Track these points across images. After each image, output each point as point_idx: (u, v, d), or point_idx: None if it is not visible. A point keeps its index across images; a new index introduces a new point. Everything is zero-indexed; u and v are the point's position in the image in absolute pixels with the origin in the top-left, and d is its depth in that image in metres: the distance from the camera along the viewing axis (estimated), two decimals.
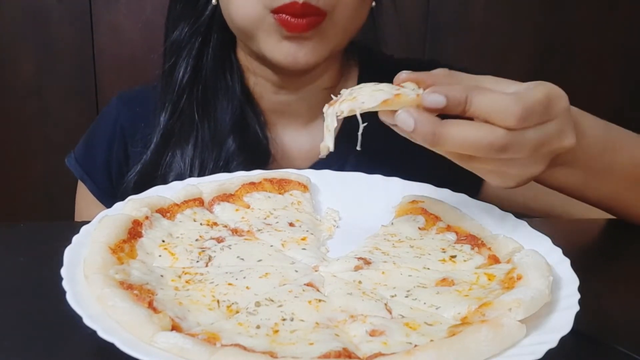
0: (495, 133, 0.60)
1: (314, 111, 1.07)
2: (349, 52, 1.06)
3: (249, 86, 1.05)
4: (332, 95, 0.67)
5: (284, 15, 0.87)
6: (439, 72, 0.67)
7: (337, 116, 0.63)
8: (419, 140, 0.61)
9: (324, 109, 0.66)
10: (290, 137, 1.07)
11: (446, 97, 0.61)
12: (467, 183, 0.85)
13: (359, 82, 1.05)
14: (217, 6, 1.00)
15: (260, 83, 1.04)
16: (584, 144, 0.72)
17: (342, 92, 0.66)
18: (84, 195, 1.11)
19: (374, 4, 0.99)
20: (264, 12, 0.89)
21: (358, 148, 0.62)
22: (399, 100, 0.61)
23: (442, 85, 0.63)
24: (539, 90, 0.64)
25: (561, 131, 0.66)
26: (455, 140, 0.60)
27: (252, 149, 1.01)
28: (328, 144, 0.65)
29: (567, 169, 0.75)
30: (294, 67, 0.92)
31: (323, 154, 0.67)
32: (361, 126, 0.62)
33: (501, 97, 0.61)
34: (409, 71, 0.65)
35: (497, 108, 0.60)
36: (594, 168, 0.77)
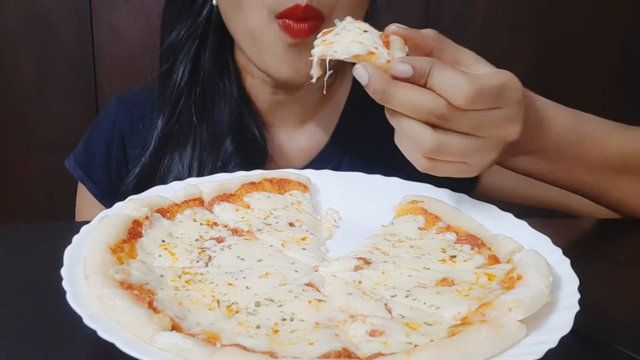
0: (438, 102, 0.65)
1: (310, 110, 1.07)
2: None
3: (246, 87, 1.05)
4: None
5: (287, 21, 0.87)
6: (429, 32, 0.70)
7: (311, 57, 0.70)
8: (371, 93, 0.66)
9: (316, 42, 0.70)
10: (287, 136, 1.07)
11: (413, 67, 0.65)
12: (461, 179, 0.86)
13: (354, 80, 1.06)
14: (214, 8, 0.99)
15: (256, 84, 1.04)
16: (552, 136, 0.78)
17: (335, 22, 0.72)
18: (84, 197, 1.11)
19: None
20: (269, 18, 0.89)
21: (324, 92, 0.71)
22: (369, 59, 0.66)
23: (426, 47, 0.69)
24: (497, 78, 0.67)
25: (507, 120, 0.69)
26: (401, 100, 0.65)
27: (250, 150, 1.01)
28: (312, 73, 0.71)
29: (531, 158, 0.80)
30: (295, 81, 0.92)
31: (314, 79, 0.73)
32: (328, 73, 0.69)
33: (459, 76, 0.65)
34: (400, 25, 0.69)
35: (451, 85, 0.65)
36: (561, 158, 0.82)
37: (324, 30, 0.71)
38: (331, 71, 0.69)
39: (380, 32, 0.69)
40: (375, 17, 1.07)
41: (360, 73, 0.66)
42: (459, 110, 0.65)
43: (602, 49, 2.04)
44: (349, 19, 0.71)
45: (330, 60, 0.68)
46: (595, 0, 2.01)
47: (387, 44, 0.67)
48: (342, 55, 0.66)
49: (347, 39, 0.67)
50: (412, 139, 0.67)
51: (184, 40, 1.02)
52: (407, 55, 0.68)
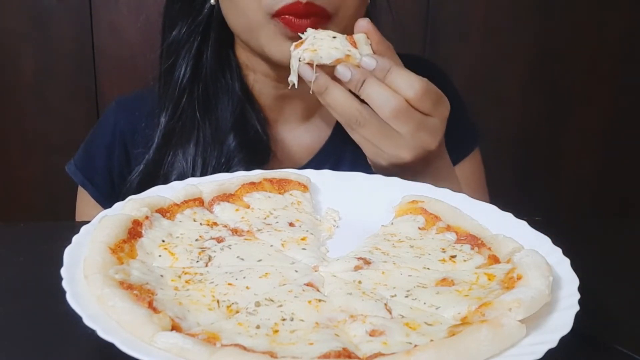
0: (398, 98, 0.79)
1: (312, 106, 1.07)
2: None
3: (248, 84, 1.05)
4: (299, 34, 0.84)
5: (287, 17, 0.87)
6: (388, 44, 0.84)
7: (299, 60, 0.81)
8: (352, 87, 0.80)
9: (291, 49, 0.82)
10: (289, 133, 1.08)
11: (376, 62, 0.80)
12: None
13: None
14: (215, 4, 1.00)
15: (259, 80, 1.04)
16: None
17: (307, 31, 0.84)
18: (85, 201, 1.11)
19: (368, 0, 1.00)
20: (266, 18, 0.89)
21: (311, 92, 0.81)
22: (347, 60, 0.81)
23: (383, 49, 0.82)
24: (436, 88, 0.81)
25: (435, 130, 0.82)
26: (373, 91, 0.79)
27: (253, 146, 1.01)
28: (293, 80, 0.83)
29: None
30: None
31: (290, 86, 0.84)
32: (314, 75, 0.81)
33: (412, 75, 0.80)
34: (369, 22, 0.83)
35: (405, 80, 0.79)
36: None
37: (295, 43, 0.82)
38: (317, 74, 0.80)
39: (345, 35, 0.82)
40: (376, 17, 1.07)
41: (343, 71, 0.80)
42: (412, 109, 0.79)
43: (601, 50, 2.04)
44: (310, 30, 0.84)
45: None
46: (595, 1, 2.01)
47: (354, 44, 0.81)
48: (326, 60, 0.80)
49: (326, 46, 0.80)
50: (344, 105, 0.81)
51: (186, 38, 1.02)
52: (369, 46, 0.82)
